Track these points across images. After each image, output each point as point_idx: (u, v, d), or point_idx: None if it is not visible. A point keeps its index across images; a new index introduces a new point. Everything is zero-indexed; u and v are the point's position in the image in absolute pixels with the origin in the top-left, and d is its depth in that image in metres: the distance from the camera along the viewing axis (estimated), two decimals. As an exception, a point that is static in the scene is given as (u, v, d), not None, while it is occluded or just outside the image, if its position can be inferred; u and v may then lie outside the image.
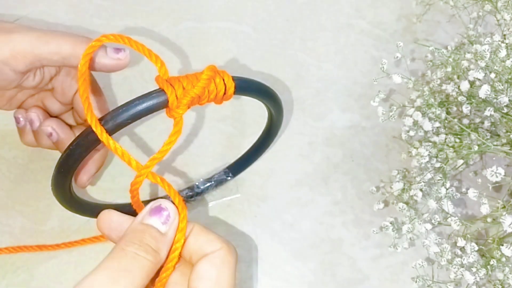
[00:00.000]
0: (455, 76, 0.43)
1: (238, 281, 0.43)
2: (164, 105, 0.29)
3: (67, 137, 0.38)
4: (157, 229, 0.26)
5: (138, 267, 0.25)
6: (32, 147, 0.41)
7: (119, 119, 0.28)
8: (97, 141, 0.28)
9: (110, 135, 0.28)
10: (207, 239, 0.28)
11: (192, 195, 0.44)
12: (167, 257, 0.27)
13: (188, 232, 0.28)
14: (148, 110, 0.28)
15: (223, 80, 0.30)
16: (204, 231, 0.28)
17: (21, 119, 0.39)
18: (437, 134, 0.41)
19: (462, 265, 0.37)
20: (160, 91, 0.29)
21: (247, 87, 0.33)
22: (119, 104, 0.29)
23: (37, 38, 0.33)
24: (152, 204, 0.27)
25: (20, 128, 0.41)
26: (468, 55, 0.42)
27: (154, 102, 0.28)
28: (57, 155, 0.30)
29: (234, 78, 0.31)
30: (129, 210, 0.42)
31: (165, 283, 0.27)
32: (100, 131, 0.27)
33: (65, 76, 0.38)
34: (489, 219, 0.40)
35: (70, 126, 0.41)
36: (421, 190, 0.40)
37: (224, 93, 0.31)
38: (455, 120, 0.41)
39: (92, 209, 0.40)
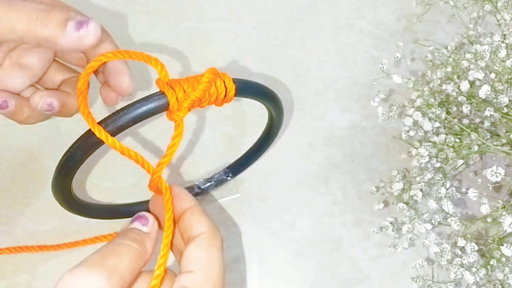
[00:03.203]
0: (455, 76, 0.43)
1: (238, 281, 0.43)
2: (164, 108, 0.29)
3: (62, 101, 0.34)
4: (140, 229, 0.28)
5: (126, 250, 0.26)
6: (30, 124, 0.36)
7: (119, 122, 0.28)
8: (97, 144, 0.28)
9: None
10: (197, 220, 0.29)
11: (192, 195, 0.44)
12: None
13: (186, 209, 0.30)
14: (149, 113, 0.28)
15: (224, 82, 0.30)
16: (197, 212, 0.30)
17: (11, 102, 0.33)
18: (437, 134, 0.41)
19: (462, 265, 0.37)
20: (161, 94, 0.29)
21: (247, 89, 0.33)
22: (119, 107, 0.29)
23: None
24: (134, 217, 0.29)
25: (11, 113, 0.34)
26: (468, 55, 0.42)
27: (155, 105, 0.28)
28: (57, 155, 0.30)
29: (235, 80, 0.31)
30: (128, 210, 0.42)
31: (165, 270, 0.28)
32: (105, 136, 0.27)
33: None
34: (489, 219, 0.40)
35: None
36: (421, 190, 0.40)
37: (225, 96, 0.31)
38: (455, 120, 0.41)
39: (92, 210, 0.40)
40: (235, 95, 0.31)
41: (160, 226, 0.30)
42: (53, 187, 0.32)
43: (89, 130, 0.28)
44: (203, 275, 0.27)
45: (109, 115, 0.28)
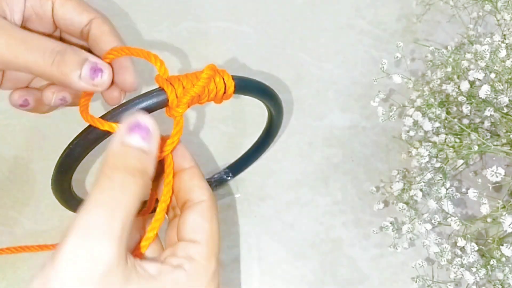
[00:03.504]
0: (455, 76, 0.43)
1: (238, 281, 0.43)
2: (164, 104, 0.29)
3: (73, 93, 0.34)
4: (140, 148, 0.25)
5: (130, 194, 0.24)
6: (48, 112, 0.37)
7: (119, 118, 0.28)
8: (97, 140, 0.28)
9: (110, 134, 0.28)
10: (199, 185, 0.29)
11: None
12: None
13: (186, 168, 0.29)
14: (148, 109, 0.28)
15: (223, 79, 0.31)
16: (198, 176, 0.29)
17: (31, 99, 0.35)
18: (437, 134, 0.41)
19: (462, 265, 0.37)
20: (160, 90, 0.29)
21: (247, 86, 0.33)
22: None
23: (7, 46, 0.28)
24: (129, 121, 0.25)
25: (31, 109, 0.35)
26: (468, 55, 0.42)
27: (154, 101, 0.28)
28: (57, 155, 0.30)
29: (234, 77, 0.31)
30: None
31: (156, 234, 0.28)
32: (109, 127, 0.27)
33: None
34: (489, 219, 0.40)
35: None
36: (421, 190, 0.40)
37: (224, 92, 0.31)
38: (455, 120, 0.41)
39: None
40: (234, 92, 0.31)
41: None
42: (53, 184, 0.32)
43: (88, 126, 0.28)
44: (208, 248, 0.27)
45: (108, 111, 0.28)
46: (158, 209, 0.28)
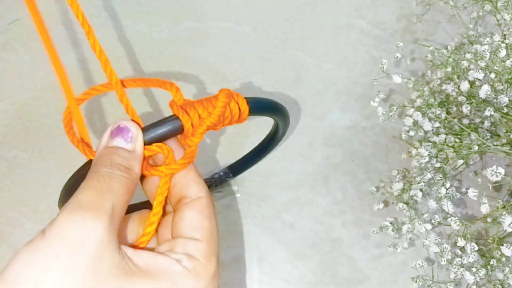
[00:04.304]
0: (455, 76, 0.43)
1: (238, 281, 0.43)
2: (179, 132, 0.28)
3: None
4: (123, 148, 0.26)
5: (117, 182, 0.24)
6: None
7: None
8: None
9: None
10: (196, 181, 0.28)
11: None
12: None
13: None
14: (162, 138, 0.28)
15: (237, 104, 0.29)
16: (194, 171, 0.28)
17: None
18: (437, 134, 0.41)
19: (462, 265, 0.37)
20: (175, 118, 0.28)
21: (260, 108, 0.32)
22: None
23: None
24: (111, 127, 0.26)
25: None
26: (468, 55, 0.42)
27: (169, 129, 0.27)
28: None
29: (248, 101, 0.30)
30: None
31: (156, 229, 0.27)
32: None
33: None
34: (489, 219, 0.40)
35: None
36: (421, 190, 0.40)
37: (239, 117, 0.30)
38: (455, 120, 0.41)
39: None
40: (248, 115, 0.30)
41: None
42: (60, 204, 0.32)
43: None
44: (208, 246, 0.26)
45: None
46: (155, 203, 0.27)
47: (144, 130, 0.27)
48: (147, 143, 0.27)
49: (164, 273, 0.24)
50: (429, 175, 0.40)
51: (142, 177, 0.29)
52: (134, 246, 0.27)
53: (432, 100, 0.40)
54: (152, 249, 0.26)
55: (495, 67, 0.38)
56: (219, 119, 0.29)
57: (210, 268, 0.25)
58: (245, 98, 0.30)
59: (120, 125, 0.26)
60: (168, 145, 0.28)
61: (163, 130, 0.27)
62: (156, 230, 0.28)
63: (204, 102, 0.29)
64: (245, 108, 0.30)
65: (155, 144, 0.27)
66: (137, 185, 0.27)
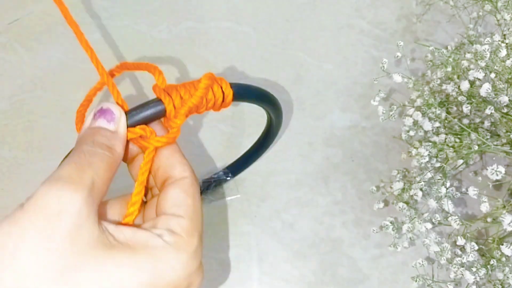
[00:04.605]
0: (455, 76, 0.43)
1: (238, 281, 0.43)
2: (162, 114, 0.28)
3: None
4: (106, 128, 0.26)
5: (98, 159, 0.24)
6: None
7: None
8: None
9: None
10: (180, 162, 0.28)
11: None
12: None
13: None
14: (146, 120, 0.28)
15: (221, 87, 0.30)
16: (179, 152, 0.28)
17: None
18: (437, 134, 0.41)
19: (462, 265, 0.37)
20: (158, 100, 0.28)
21: (245, 93, 0.33)
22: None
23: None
24: (95, 109, 0.27)
25: None
26: (468, 55, 0.42)
27: (152, 112, 0.28)
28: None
29: (232, 85, 0.30)
30: None
31: (138, 209, 0.27)
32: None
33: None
34: (489, 219, 0.40)
35: None
36: (421, 189, 0.40)
37: (223, 101, 0.30)
38: (455, 120, 0.41)
39: None
40: (233, 100, 0.31)
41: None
42: None
43: None
44: (191, 223, 0.26)
45: None
46: (136, 183, 0.27)
47: (128, 113, 0.28)
48: (130, 126, 0.28)
49: (144, 246, 0.24)
50: (429, 175, 0.40)
51: (129, 162, 0.29)
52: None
53: (432, 100, 0.40)
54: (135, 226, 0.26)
55: (495, 67, 0.38)
56: (201, 100, 0.29)
57: (192, 243, 0.25)
58: (230, 83, 0.30)
59: (103, 107, 0.27)
60: (151, 128, 0.28)
61: (146, 112, 0.28)
62: (140, 211, 0.28)
63: (187, 85, 0.29)
64: (229, 92, 0.30)
65: (138, 126, 0.28)
66: (120, 166, 0.27)
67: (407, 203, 0.42)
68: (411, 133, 0.42)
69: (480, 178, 0.43)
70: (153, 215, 0.27)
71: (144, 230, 0.25)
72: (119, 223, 0.26)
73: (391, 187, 0.43)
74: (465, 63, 0.42)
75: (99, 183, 0.24)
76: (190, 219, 0.26)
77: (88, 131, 0.26)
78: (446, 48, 0.47)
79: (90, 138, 0.26)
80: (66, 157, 0.28)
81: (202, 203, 0.27)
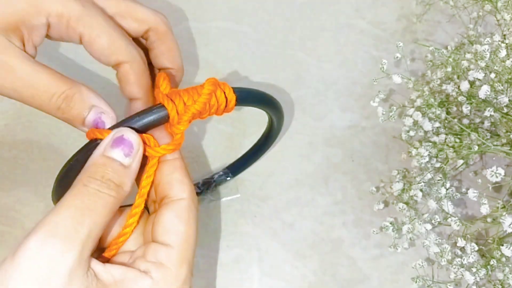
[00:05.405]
0: (455, 76, 0.43)
1: (238, 281, 0.43)
2: (164, 120, 0.28)
3: None
4: (120, 162, 0.25)
5: (102, 204, 0.24)
6: None
7: None
8: None
9: None
10: (180, 181, 0.27)
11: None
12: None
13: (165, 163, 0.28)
14: (148, 126, 0.28)
15: (224, 93, 0.30)
16: (181, 170, 0.28)
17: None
18: (437, 134, 0.41)
19: (462, 265, 0.37)
20: (161, 106, 0.28)
21: (248, 98, 0.32)
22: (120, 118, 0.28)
23: (13, 90, 0.27)
24: (114, 134, 0.26)
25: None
26: (468, 55, 0.42)
27: (155, 118, 0.28)
28: (57, 155, 0.30)
29: (235, 90, 0.30)
30: None
31: (132, 230, 0.27)
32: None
33: None
34: (489, 219, 0.40)
35: None
36: (421, 190, 0.40)
37: (225, 106, 0.30)
38: (455, 120, 0.41)
39: None
40: (235, 105, 0.31)
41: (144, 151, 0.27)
42: (53, 197, 0.32)
43: (88, 142, 0.28)
44: (180, 252, 0.25)
45: (108, 128, 0.28)
46: (137, 195, 0.27)
47: (130, 119, 0.27)
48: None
49: None
50: (429, 175, 0.40)
51: None
52: (112, 244, 0.27)
53: (432, 100, 0.40)
54: (130, 252, 0.27)
55: (495, 67, 0.38)
56: (205, 106, 0.29)
57: (180, 275, 0.25)
58: (232, 87, 0.30)
59: (124, 136, 0.26)
60: (151, 134, 0.28)
61: (149, 118, 0.28)
62: (139, 222, 0.27)
63: (190, 90, 0.29)
64: (232, 97, 0.30)
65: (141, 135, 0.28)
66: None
67: (407, 203, 0.42)
68: (411, 133, 0.42)
69: (480, 180, 0.43)
70: (150, 236, 0.27)
71: (132, 270, 0.24)
72: (108, 259, 0.26)
73: (391, 188, 0.43)
74: (465, 63, 0.42)
75: (96, 231, 0.23)
76: (180, 249, 0.25)
77: (100, 160, 0.25)
78: (446, 48, 0.47)
79: (99, 173, 0.25)
80: (64, 174, 0.28)
81: (197, 226, 0.27)
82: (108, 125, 0.28)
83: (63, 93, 0.27)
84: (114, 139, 0.25)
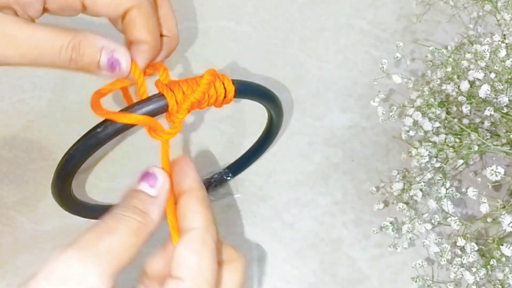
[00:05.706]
0: (455, 76, 0.43)
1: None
2: (164, 109, 0.29)
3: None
4: (146, 192, 0.26)
5: (125, 225, 0.24)
6: None
7: (118, 124, 0.28)
8: (96, 146, 0.28)
9: (109, 140, 0.28)
10: (193, 211, 0.27)
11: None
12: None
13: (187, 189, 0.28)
14: (148, 115, 0.28)
15: (223, 84, 0.30)
16: (195, 200, 0.27)
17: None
18: (437, 134, 0.41)
19: (462, 265, 0.37)
20: (160, 95, 0.29)
21: (247, 90, 0.33)
22: (119, 108, 0.29)
23: (20, 57, 0.27)
24: (141, 172, 0.28)
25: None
26: (468, 55, 0.42)
27: (154, 107, 0.28)
28: (57, 155, 0.30)
29: (234, 82, 0.31)
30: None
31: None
32: (125, 118, 0.27)
33: None
34: (489, 219, 0.40)
35: None
36: (421, 190, 0.40)
37: (224, 97, 0.31)
38: (455, 120, 0.41)
39: (92, 211, 0.40)
40: (234, 97, 0.31)
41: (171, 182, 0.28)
42: (53, 189, 0.32)
43: (88, 132, 0.28)
44: (191, 285, 0.25)
45: (120, 110, 0.28)
46: (170, 225, 0.27)
47: (130, 107, 0.28)
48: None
49: None
50: (429, 175, 0.40)
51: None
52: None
53: (432, 100, 0.40)
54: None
55: (495, 67, 0.38)
56: (203, 95, 0.29)
57: None
58: (232, 79, 0.31)
59: (149, 171, 0.27)
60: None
61: (148, 107, 0.28)
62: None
63: (189, 80, 0.30)
64: (230, 88, 0.31)
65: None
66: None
67: (407, 203, 0.42)
68: (411, 133, 0.42)
69: (480, 179, 0.43)
70: (160, 270, 0.27)
71: None
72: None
73: (391, 187, 0.43)
74: (465, 63, 0.42)
75: (118, 251, 0.23)
76: (192, 281, 0.25)
77: (129, 193, 0.27)
78: (446, 48, 0.47)
79: (126, 201, 0.26)
80: (69, 149, 0.28)
81: (214, 257, 0.26)
82: (123, 63, 0.29)
83: (70, 43, 0.27)
84: (141, 176, 0.27)
